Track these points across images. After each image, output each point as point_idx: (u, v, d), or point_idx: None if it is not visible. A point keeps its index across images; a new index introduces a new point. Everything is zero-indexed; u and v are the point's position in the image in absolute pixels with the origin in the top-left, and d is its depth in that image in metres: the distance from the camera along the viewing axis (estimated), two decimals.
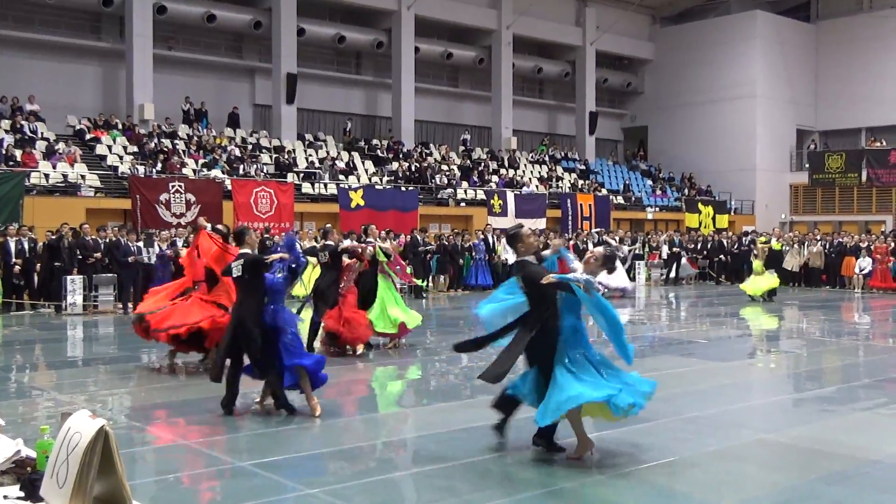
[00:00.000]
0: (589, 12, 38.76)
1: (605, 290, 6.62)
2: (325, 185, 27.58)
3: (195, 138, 27.57)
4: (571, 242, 26.90)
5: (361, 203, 26.11)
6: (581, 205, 32.20)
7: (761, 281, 21.32)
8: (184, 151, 26.37)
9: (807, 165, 37.75)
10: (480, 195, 30.47)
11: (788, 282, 26.09)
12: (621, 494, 5.93)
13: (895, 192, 35.25)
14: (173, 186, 22.78)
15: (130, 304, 17.84)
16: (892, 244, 25.68)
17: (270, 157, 28.36)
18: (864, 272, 24.91)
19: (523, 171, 34.92)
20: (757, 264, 21.63)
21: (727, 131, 38.46)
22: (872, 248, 25.65)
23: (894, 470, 6.75)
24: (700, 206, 35.16)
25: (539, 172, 35.60)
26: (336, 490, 5.93)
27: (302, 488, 5.99)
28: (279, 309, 8.38)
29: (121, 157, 25.02)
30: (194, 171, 25.24)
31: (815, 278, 26.62)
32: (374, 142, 32.63)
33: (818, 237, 27.52)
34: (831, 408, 9.24)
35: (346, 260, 12.24)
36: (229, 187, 24.26)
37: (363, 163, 30.62)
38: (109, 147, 25.52)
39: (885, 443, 7.47)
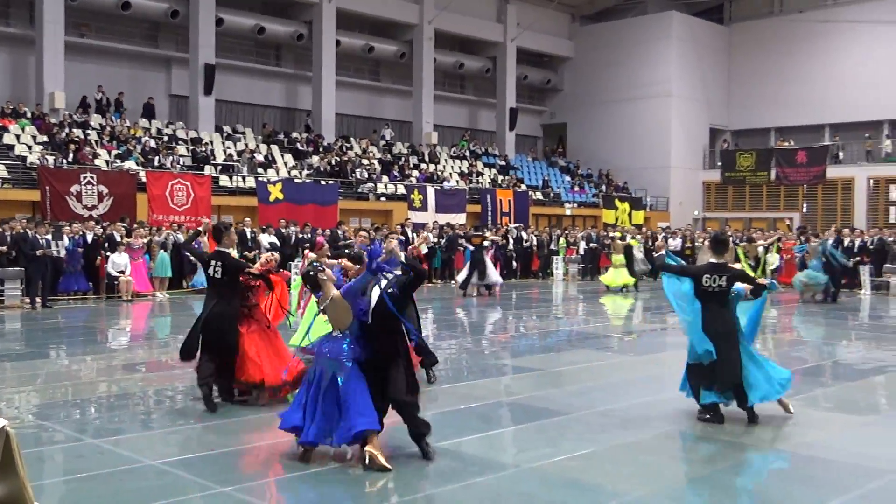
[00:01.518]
0: (510, 9, 39.05)
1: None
2: (244, 178, 27.20)
3: (108, 129, 26.87)
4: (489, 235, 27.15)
5: (280, 197, 25.86)
6: (501, 200, 32.47)
7: (618, 275, 23.36)
8: (96, 142, 25.67)
9: (719, 164, 38.77)
10: (401, 190, 30.45)
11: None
12: (535, 487, 6.01)
13: (802, 190, 36.45)
14: (85, 178, 22.17)
15: (38, 299, 17.36)
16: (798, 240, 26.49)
17: (187, 149, 27.82)
18: (772, 268, 25.66)
19: (444, 166, 35.03)
20: (616, 258, 23.49)
21: (643, 129, 39.23)
22: (781, 244, 26.47)
23: (798, 459, 7.00)
24: (617, 202, 35.80)
25: (459, 168, 35.76)
26: (249, 488, 5.87)
27: (213, 486, 5.92)
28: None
29: (29, 147, 24.22)
30: (107, 162, 24.61)
31: None
32: (294, 135, 32.32)
33: (730, 234, 28.25)
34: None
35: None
36: (144, 179, 23.73)
37: (282, 156, 30.29)
38: (17, 136, 24.68)
39: (791, 433, 7.73)
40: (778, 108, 39.04)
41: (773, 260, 25.71)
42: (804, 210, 36.51)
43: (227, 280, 8.26)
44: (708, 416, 7.85)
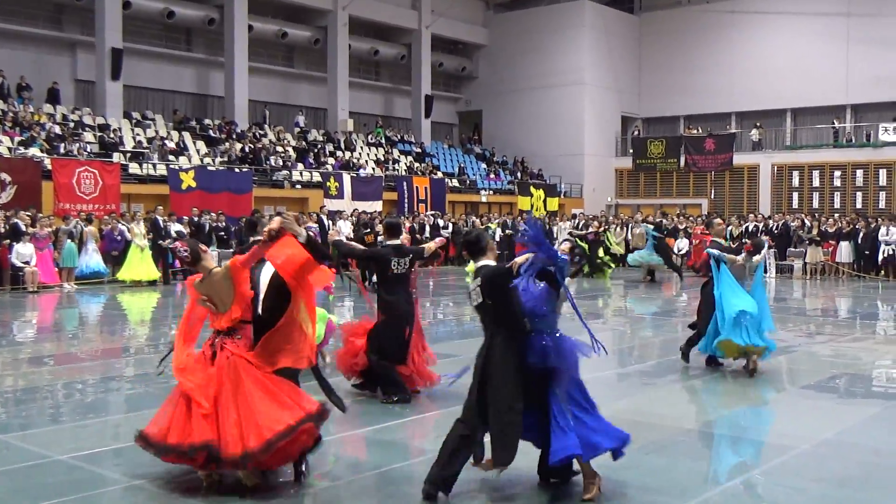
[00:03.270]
0: None
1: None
2: (154, 165, 26.58)
3: (10, 114, 25.92)
4: (408, 224, 27.17)
5: (193, 185, 25.34)
6: (417, 188, 32.48)
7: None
8: None
9: (630, 151, 39.47)
10: (317, 177, 30.20)
11: (615, 263, 27.29)
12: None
13: (710, 177, 37.43)
14: None
15: None
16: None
17: (94, 135, 27.04)
18: (681, 252, 26.34)
19: (360, 154, 34.85)
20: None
21: (557, 117, 39.69)
22: (690, 230, 27.23)
23: (705, 437, 7.23)
24: (532, 189, 36.15)
25: (375, 155, 35.62)
26: (162, 480, 5.78)
27: (125, 480, 5.81)
28: (560, 340, 5.67)
29: None
30: (10, 149, 23.74)
31: None
32: (207, 121, 31.71)
33: (639, 220, 28.84)
34: (651, 381, 9.78)
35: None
36: (49, 167, 22.98)
37: (195, 143, 29.69)
38: None
39: (697, 413, 7.98)
40: (686, 97, 39.95)
41: (683, 245, 26.42)
42: (712, 196, 37.51)
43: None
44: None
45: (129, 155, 26.63)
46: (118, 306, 17.60)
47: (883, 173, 33.61)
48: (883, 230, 24.35)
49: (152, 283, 20.56)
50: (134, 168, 26.12)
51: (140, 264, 20.43)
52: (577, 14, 39.63)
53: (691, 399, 9.21)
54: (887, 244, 24.15)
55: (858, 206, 33.33)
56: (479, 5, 42.44)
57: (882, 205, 33.05)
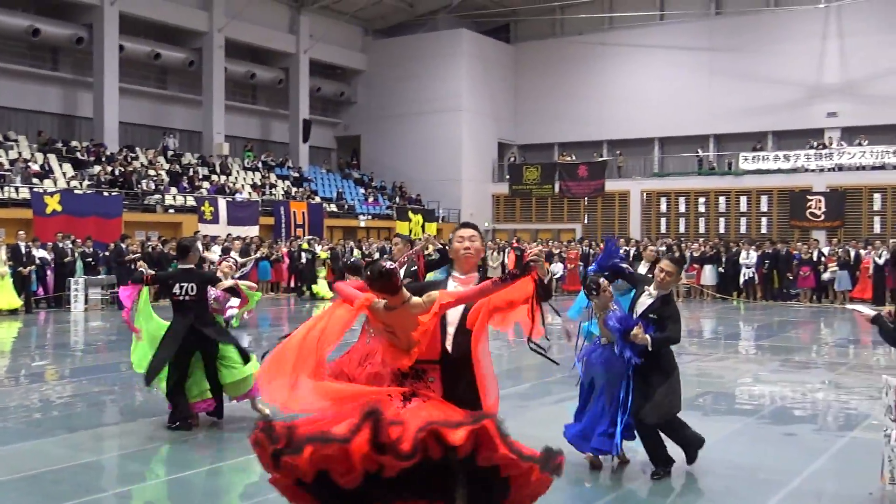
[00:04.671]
0: (303, 20, 38.84)
1: None
2: (17, 188, 25.43)
3: None
4: (285, 249, 26.86)
5: (59, 209, 24.36)
6: (294, 212, 32.16)
7: (324, 286, 25.03)
8: None
9: (507, 177, 40.22)
10: (191, 202, 29.52)
11: None
12: None
13: (583, 202, 38.49)
14: None
15: None
16: (580, 250, 28.09)
17: None
18: (556, 276, 26.95)
19: (236, 178, 34.28)
20: (320, 270, 25.50)
21: (435, 142, 40.10)
22: (564, 254, 27.95)
23: (576, 457, 7.39)
24: (410, 214, 36.35)
25: (252, 179, 35.11)
26: None
27: None
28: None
29: None
30: None
31: None
32: (74, 143, 30.58)
33: (516, 245, 29.43)
34: (526, 403, 9.96)
35: None
36: None
37: (61, 166, 28.58)
38: None
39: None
40: (561, 125, 41.03)
41: (557, 269, 27.04)
42: (585, 221, 38.56)
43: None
44: None
45: None
46: None
47: (744, 200, 35.31)
48: (744, 254, 25.62)
49: (13, 312, 19.63)
50: None
51: (0, 292, 19.49)
52: (454, 42, 40.24)
53: (567, 420, 9.39)
54: (747, 267, 25.39)
55: (721, 231, 34.90)
56: (357, 31, 42.56)
57: (743, 230, 34.70)
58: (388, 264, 4.55)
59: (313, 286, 25.56)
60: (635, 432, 6.77)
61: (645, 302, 6.78)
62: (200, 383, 8.51)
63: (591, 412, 6.87)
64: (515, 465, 4.04)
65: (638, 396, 6.63)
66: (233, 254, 20.76)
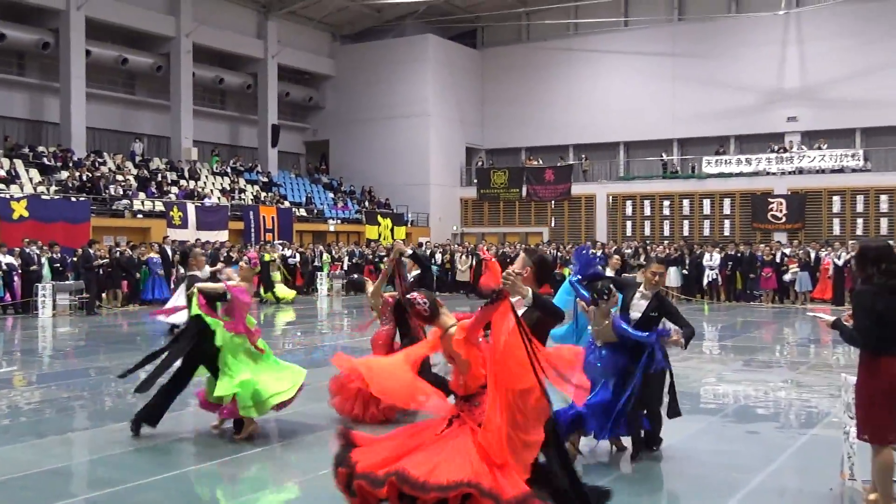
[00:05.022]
0: (271, 26, 38.84)
1: None
2: None
3: None
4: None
5: (25, 214, 24.24)
6: (264, 217, 32.22)
7: (282, 289, 26.00)
8: None
9: (475, 181, 40.50)
10: (159, 206, 29.46)
11: (460, 290, 28.30)
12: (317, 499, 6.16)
13: (550, 206, 38.87)
14: None
15: None
16: (548, 253, 28.42)
17: None
18: None
19: (204, 183, 34.23)
20: (276, 275, 25.85)
21: (404, 147, 40.28)
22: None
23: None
24: (379, 218, 36.50)
25: (221, 184, 35.08)
26: None
27: None
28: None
29: None
30: None
31: None
32: (41, 149, 30.38)
33: (486, 248, 29.72)
34: None
35: None
36: None
37: (27, 171, 28.39)
38: None
39: None
40: (527, 129, 41.39)
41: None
42: (552, 225, 38.94)
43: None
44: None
45: None
46: None
47: (707, 203, 35.87)
48: (707, 256, 26.12)
49: None
50: None
51: None
52: (421, 48, 40.47)
53: None
54: (711, 269, 25.88)
55: (686, 233, 35.43)
56: (325, 36, 42.64)
57: (706, 232, 35.27)
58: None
59: (274, 290, 25.57)
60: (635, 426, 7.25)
61: (642, 303, 7.10)
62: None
63: (590, 404, 7.10)
64: None
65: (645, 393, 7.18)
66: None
